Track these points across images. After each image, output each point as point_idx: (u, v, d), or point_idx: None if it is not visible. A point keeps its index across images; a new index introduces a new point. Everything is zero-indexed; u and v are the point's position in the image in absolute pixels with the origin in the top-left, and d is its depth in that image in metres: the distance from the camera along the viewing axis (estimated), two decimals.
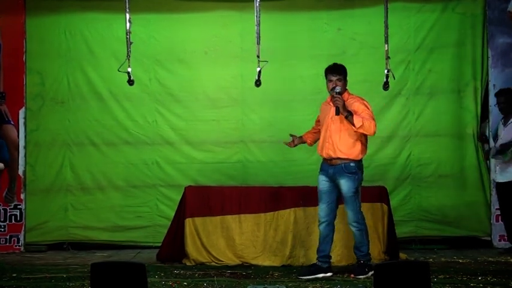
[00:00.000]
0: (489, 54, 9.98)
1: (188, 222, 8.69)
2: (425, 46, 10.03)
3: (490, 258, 9.01)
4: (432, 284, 5.64)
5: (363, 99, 7.85)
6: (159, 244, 9.03)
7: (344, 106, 7.64)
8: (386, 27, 8.39)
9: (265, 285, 7.28)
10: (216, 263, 8.60)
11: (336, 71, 7.88)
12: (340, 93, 7.73)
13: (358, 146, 7.80)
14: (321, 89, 9.99)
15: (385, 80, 8.43)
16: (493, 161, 9.89)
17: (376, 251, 8.59)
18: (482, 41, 10.00)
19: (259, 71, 8.41)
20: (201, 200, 8.73)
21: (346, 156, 7.74)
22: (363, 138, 7.85)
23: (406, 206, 9.97)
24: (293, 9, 10.02)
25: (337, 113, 7.66)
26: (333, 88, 7.79)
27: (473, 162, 9.99)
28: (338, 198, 7.88)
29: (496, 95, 9.65)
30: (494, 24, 9.96)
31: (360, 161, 7.83)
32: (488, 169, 9.98)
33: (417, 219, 9.97)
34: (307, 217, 8.66)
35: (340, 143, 7.75)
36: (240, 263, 8.62)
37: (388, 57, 8.35)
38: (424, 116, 10.05)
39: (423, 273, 5.32)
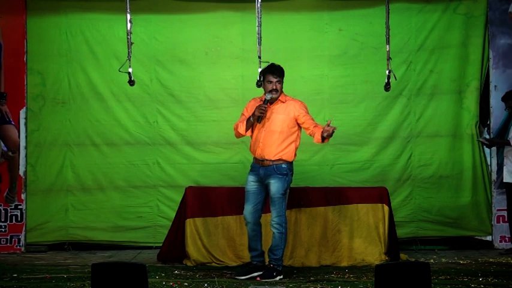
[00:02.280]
0: (490, 55, 9.97)
1: (189, 222, 8.69)
2: (427, 47, 10.02)
3: (490, 259, 9.01)
4: (433, 284, 5.64)
5: (302, 103, 7.96)
6: (160, 244, 9.03)
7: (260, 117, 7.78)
8: (388, 28, 8.38)
9: (266, 286, 7.28)
10: (216, 263, 8.61)
11: (277, 73, 7.87)
12: (269, 102, 7.80)
13: (292, 148, 7.85)
14: (322, 90, 10.06)
15: (386, 81, 8.43)
16: (494, 162, 9.90)
17: (377, 251, 8.59)
18: (483, 42, 10.00)
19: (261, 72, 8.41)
20: (202, 201, 8.73)
21: (278, 158, 7.80)
22: (297, 141, 7.90)
23: (407, 206, 9.96)
24: (294, 9, 10.01)
25: (259, 120, 7.77)
26: (271, 91, 7.81)
27: (474, 163, 9.99)
28: (265, 199, 7.93)
29: (503, 99, 9.63)
30: (496, 25, 9.96)
31: (292, 163, 7.88)
32: (489, 170, 9.98)
33: (418, 220, 9.97)
34: (307, 218, 8.67)
35: (274, 144, 7.79)
36: (241, 263, 8.62)
37: (389, 58, 8.34)
38: (425, 117, 10.04)
39: (424, 274, 5.32)
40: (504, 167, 9.54)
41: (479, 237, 10.04)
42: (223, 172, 10.00)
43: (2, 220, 9.77)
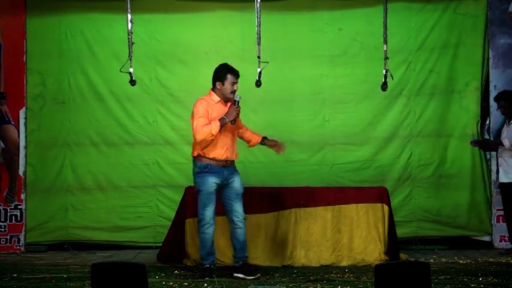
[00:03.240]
0: (490, 55, 9.98)
1: (189, 222, 8.70)
2: (427, 46, 10.02)
3: (490, 259, 9.01)
4: (433, 284, 5.64)
5: None
6: (160, 244, 9.04)
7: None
8: (386, 27, 8.39)
9: (266, 286, 7.28)
10: (216, 263, 8.59)
11: (238, 75, 7.97)
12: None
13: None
14: (321, 90, 10.06)
15: (383, 80, 8.43)
16: (493, 161, 9.90)
17: (377, 251, 8.59)
18: (483, 42, 10.00)
19: (260, 72, 8.41)
20: None
21: (236, 157, 8.00)
22: None
23: (406, 206, 9.96)
24: (294, 9, 10.01)
25: (234, 122, 7.85)
26: (234, 92, 7.90)
27: (474, 163, 9.99)
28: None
29: (495, 99, 9.64)
30: (496, 25, 9.96)
31: None
32: (489, 169, 9.98)
33: (418, 220, 9.97)
34: (307, 217, 8.67)
35: (235, 145, 7.98)
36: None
37: (386, 58, 8.35)
38: (425, 117, 10.04)
39: (424, 274, 5.32)
40: (500, 168, 9.54)
41: (479, 237, 10.04)
42: None
43: (2, 220, 9.77)
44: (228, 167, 7.90)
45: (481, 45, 10.00)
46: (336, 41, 10.06)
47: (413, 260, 8.68)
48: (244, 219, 7.91)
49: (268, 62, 8.27)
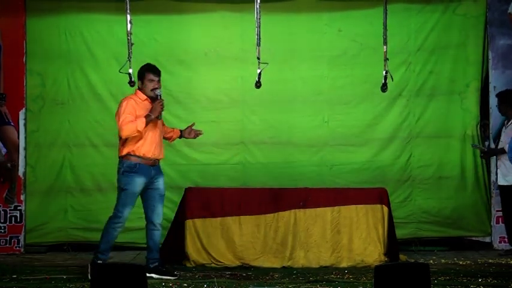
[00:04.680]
0: (489, 56, 9.98)
1: (188, 223, 8.71)
2: (426, 47, 10.03)
3: (490, 260, 9.02)
4: (432, 285, 5.65)
5: None
6: (159, 245, 9.02)
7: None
8: (385, 28, 8.39)
9: (265, 287, 7.29)
10: (216, 264, 8.61)
11: (158, 72, 8.04)
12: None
13: None
14: (320, 91, 10.06)
15: (383, 81, 8.44)
16: (493, 163, 9.90)
17: (376, 252, 8.60)
18: (483, 42, 10.01)
19: (260, 73, 8.41)
20: (201, 202, 8.73)
21: (163, 156, 8.14)
22: None
23: (406, 207, 9.97)
24: (293, 10, 10.02)
25: (160, 117, 8.01)
26: (155, 89, 7.96)
27: (474, 164, 10.00)
28: None
29: (497, 96, 9.64)
30: (495, 26, 9.96)
31: None
32: (489, 171, 9.98)
33: (417, 221, 9.98)
34: (307, 219, 8.67)
35: (162, 144, 8.11)
36: (240, 264, 8.63)
37: (386, 59, 8.35)
38: (425, 118, 10.05)
39: (423, 275, 5.32)
40: (498, 170, 9.55)
41: (478, 238, 10.04)
42: (223, 173, 10.00)
43: (2, 221, 9.76)
44: (155, 166, 8.02)
45: (481, 46, 10.01)
46: (336, 42, 10.06)
47: (412, 261, 8.69)
48: (161, 221, 8.09)
49: (268, 63, 8.27)
